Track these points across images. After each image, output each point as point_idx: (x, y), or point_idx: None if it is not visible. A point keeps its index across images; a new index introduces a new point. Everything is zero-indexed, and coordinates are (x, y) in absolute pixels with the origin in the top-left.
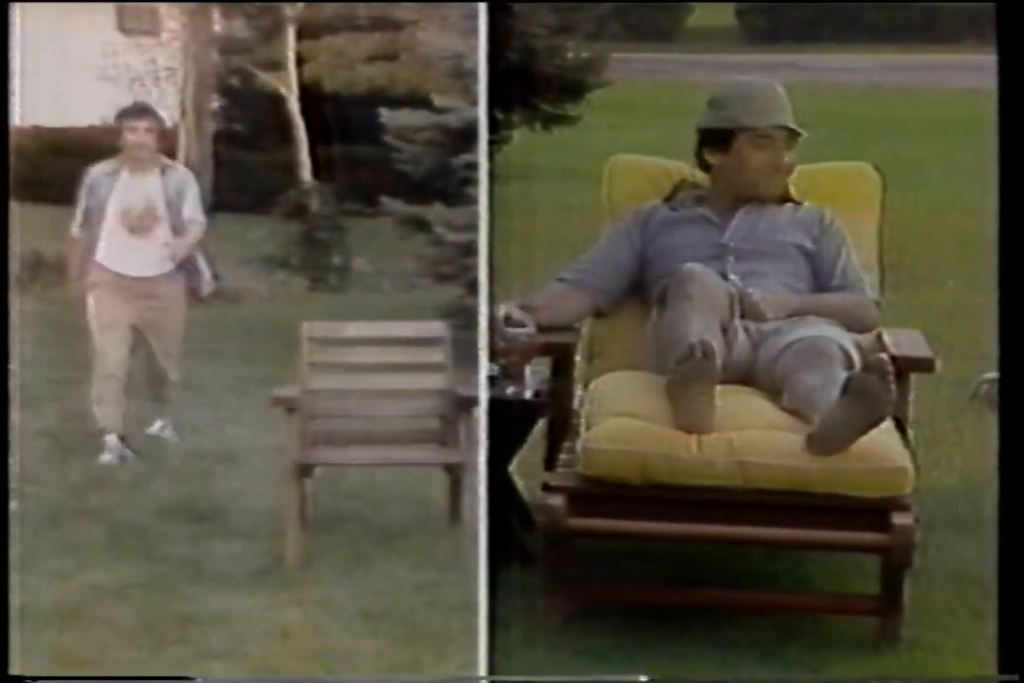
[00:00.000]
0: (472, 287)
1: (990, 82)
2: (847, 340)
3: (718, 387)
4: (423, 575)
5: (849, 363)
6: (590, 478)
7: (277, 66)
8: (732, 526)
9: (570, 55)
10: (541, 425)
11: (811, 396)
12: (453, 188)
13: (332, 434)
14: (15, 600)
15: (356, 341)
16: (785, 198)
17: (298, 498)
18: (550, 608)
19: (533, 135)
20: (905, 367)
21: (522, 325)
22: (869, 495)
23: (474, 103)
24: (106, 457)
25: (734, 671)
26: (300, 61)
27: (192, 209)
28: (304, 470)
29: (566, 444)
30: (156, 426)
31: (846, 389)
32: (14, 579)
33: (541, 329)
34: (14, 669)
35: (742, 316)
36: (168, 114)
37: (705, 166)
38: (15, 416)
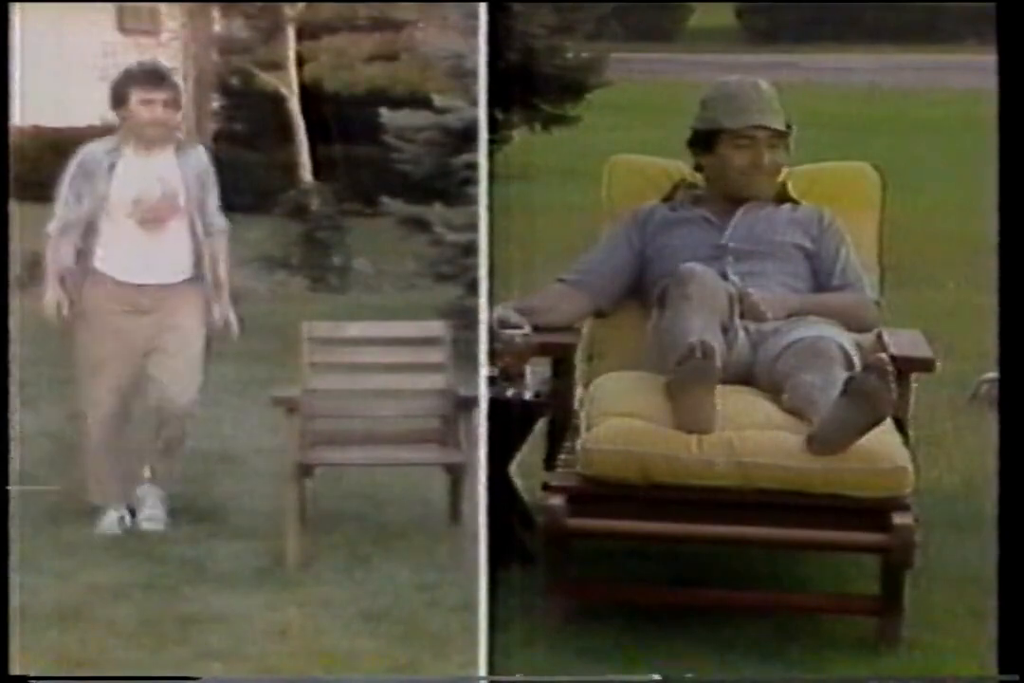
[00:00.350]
0: (472, 287)
1: (990, 82)
2: (847, 340)
3: (718, 387)
4: (423, 575)
5: (849, 363)
6: (590, 478)
7: (277, 66)
8: (732, 526)
9: (570, 55)
10: (541, 425)
11: (811, 396)
12: (453, 188)
13: (332, 434)
14: (15, 600)
15: (356, 341)
16: (784, 198)
17: (298, 498)
18: (550, 608)
19: (533, 135)
20: (905, 367)
21: (517, 327)
22: (869, 495)
23: (474, 103)
24: (106, 529)
25: (734, 671)
26: (300, 61)
27: (215, 205)
28: (304, 470)
29: (566, 444)
30: (148, 503)
31: (846, 389)
32: (14, 579)
33: (541, 330)
34: (14, 669)
35: (742, 316)
36: None
37: (699, 167)
38: (15, 416)
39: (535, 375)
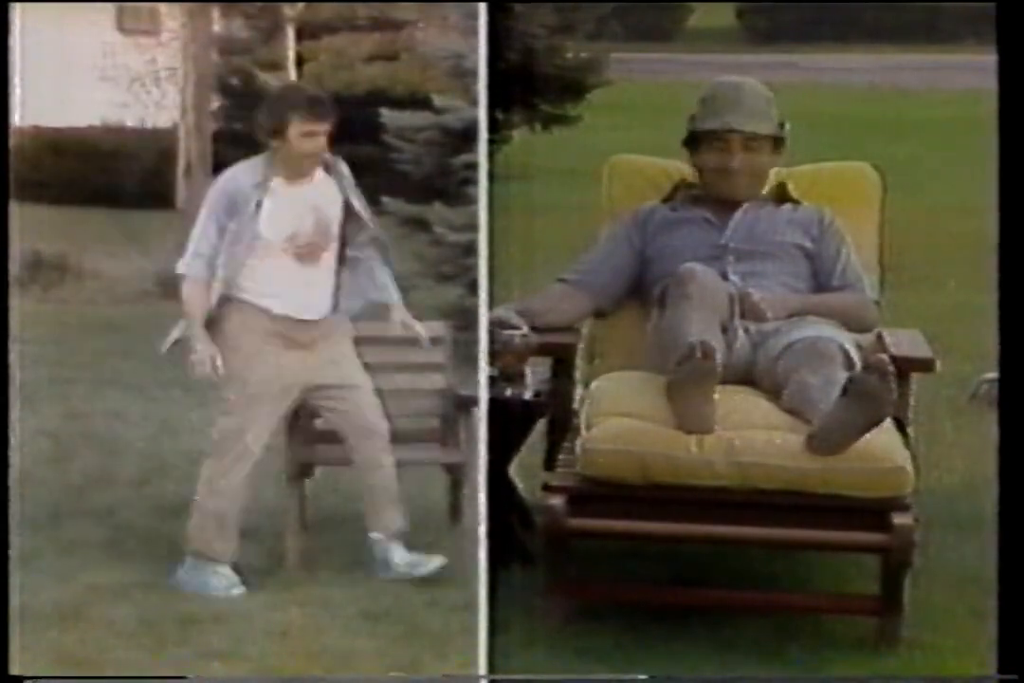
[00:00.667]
0: (472, 287)
1: (990, 82)
2: (847, 340)
3: (718, 387)
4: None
5: (849, 363)
6: (590, 478)
7: (277, 66)
8: (732, 526)
9: (570, 55)
10: (541, 425)
11: (811, 396)
12: (453, 188)
13: (332, 434)
14: (15, 600)
15: (357, 341)
16: (784, 198)
17: (298, 498)
18: (550, 608)
19: (533, 135)
20: (905, 367)
21: (516, 327)
22: (869, 495)
23: (474, 103)
24: (214, 587)
25: (734, 671)
26: (300, 61)
27: (366, 212)
28: (304, 470)
29: (566, 444)
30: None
31: (846, 389)
32: (14, 579)
33: (541, 330)
34: (14, 669)
35: (742, 316)
36: (168, 114)
37: (694, 166)
38: (15, 416)
39: (535, 375)
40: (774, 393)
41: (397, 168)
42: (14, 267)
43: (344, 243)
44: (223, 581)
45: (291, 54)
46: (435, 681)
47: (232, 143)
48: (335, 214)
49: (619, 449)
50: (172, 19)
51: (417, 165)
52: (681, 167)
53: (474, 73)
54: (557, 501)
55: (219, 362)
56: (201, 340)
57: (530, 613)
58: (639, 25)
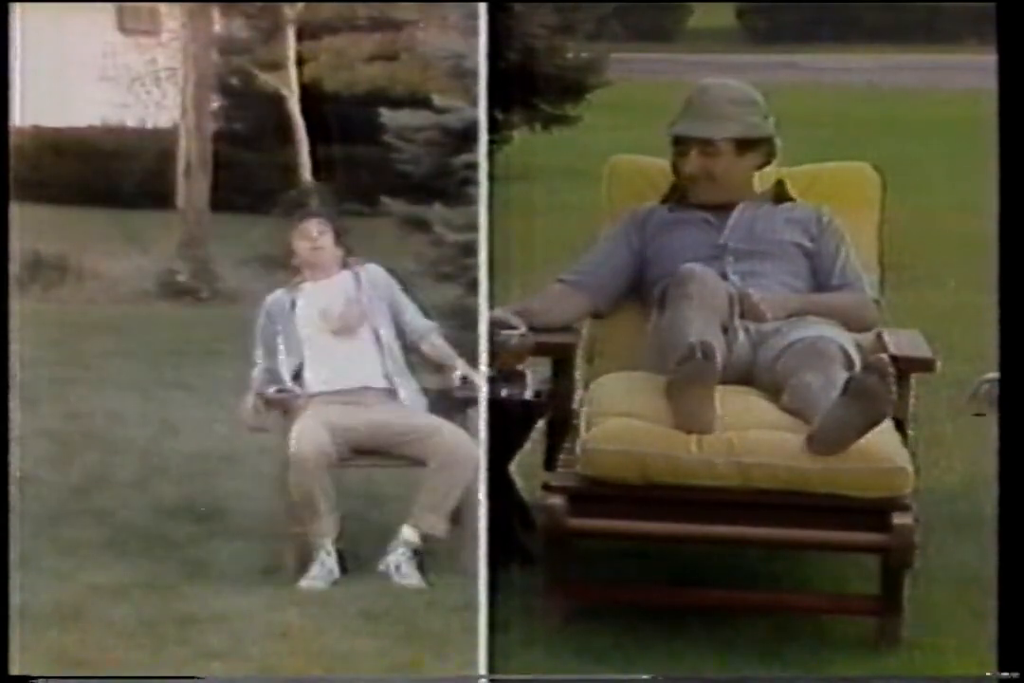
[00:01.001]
0: (472, 287)
1: (990, 82)
2: (847, 340)
3: (718, 387)
4: (423, 575)
5: (849, 363)
6: (590, 478)
7: (277, 66)
8: (732, 526)
9: (570, 55)
10: (541, 425)
11: (811, 396)
12: (453, 188)
13: None
14: (15, 600)
15: None
16: (782, 197)
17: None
18: (550, 608)
19: (533, 135)
20: (905, 367)
21: (513, 327)
22: (869, 495)
23: (474, 103)
24: (313, 577)
25: (734, 671)
26: (300, 61)
27: (412, 314)
28: None
29: (566, 444)
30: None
31: (846, 389)
32: (14, 579)
33: (540, 330)
34: (14, 669)
35: (742, 316)
36: (168, 114)
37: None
38: (15, 416)
39: (535, 375)
40: (774, 393)
41: (397, 168)
42: (14, 267)
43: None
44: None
45: (291, 54)
46: (435, 681)
47: (232, 143)
48: (361, 298)
49: (619, 449)
50: (172, 19)
51: (417, 165)
52: None
53: (474, 73)
54: (557, 501)
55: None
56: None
57: (530, 613)
58: (639, 25)
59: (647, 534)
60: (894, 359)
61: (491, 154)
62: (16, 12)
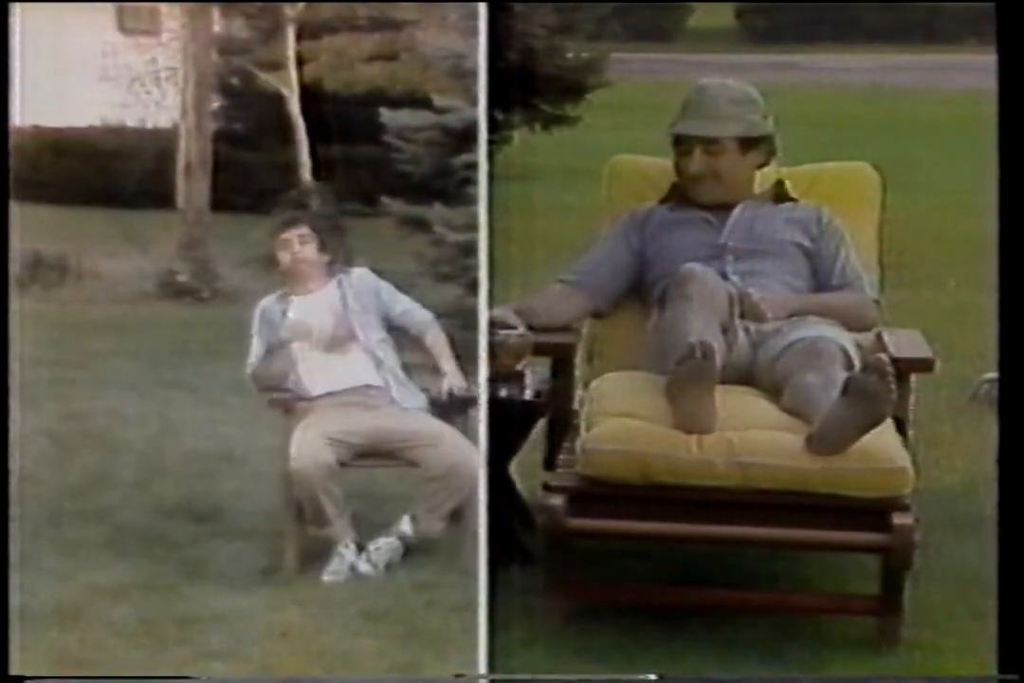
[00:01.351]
0: (472, 287)
1: (990, 82)
2: (847, 340)
3: (718, 387)
4: (423, 575)
5: (849, 363)
6: (590, 478)
7: (277, 66)
8: (732, 526)
9: (570, 55)
10: (541, 425)
11: (811, 396)
12: (453, 188)
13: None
14: (15, 600)
15: None
16: (782, 197)
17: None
18: (550, 608)
19: (533, 135)
20: (905, 367)
21: (512, 327)
22: (869, 495)
23: (474, 103)
24: (334, 572)
25: (734, 671)
26: (300, 61)
27: (403, 309)
28: None
29: (566, 444)
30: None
31: (846, 389)
32: (14, 579)
33: (539, 330)
34: (14, 669)
35: (742, 316)
36: (168, 114)
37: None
38: (15, 416)
39: (535, 375)
40: (774, 393)
41: (397, 168)
42: (14, 267)
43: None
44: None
45: (291, 54)
46: (435, 681)
47: (232, 143)
48: (349, 316)
49: (619, 449)
50: (172, 19)
51: (417, 165)
52: None
53: (474, 73)
54: (557, 501)
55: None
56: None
57: (530, 613)
58: (639, 25)
59: (647, 534)
60: (894, 359)
61: (491, 154)
62: (16, 12)
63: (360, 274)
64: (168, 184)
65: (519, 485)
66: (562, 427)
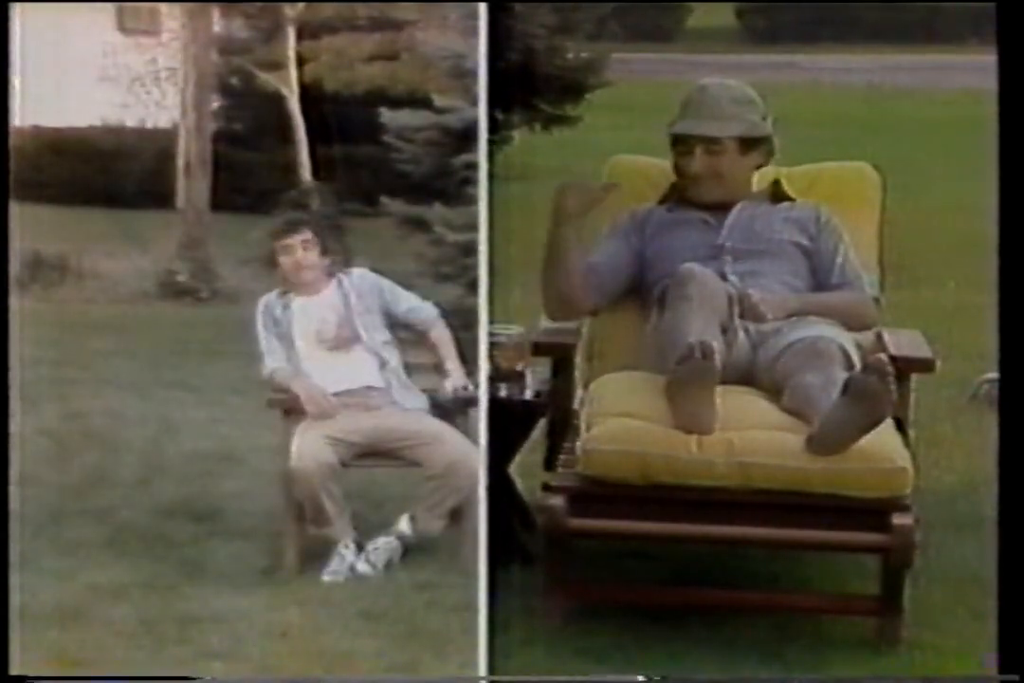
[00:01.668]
0: (472, 287)
1: (990, 82)
2: (847, 340)
3: (718, 387)
4: (423, 575)
5: (849, 363)
6: (590, 478)
7: (277, 66)
8: (732, 526)
9: (570, 55)
10: (541, 425)
11: (811, 396)
12: (453, 188)
13: None
14: (15, 600)
15: None
16: (780, 196)
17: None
18: (550, 608)
19: (533, 135)
20: (905, 367)
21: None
22: (869, 495)
23: (474, 103)
24: (333, 572)
25: (734, 671)
26: (300, 61)
27: (408, 307)
28: None
29: (566, 444)
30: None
31: (846, 390)
32: (14, 579)
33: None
34: (14, 669)
35: (742, 316)
36: (168, 114)
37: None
38: (15, 416)
39: (535, 375)
40: (774, 393)
41: (397, 168)
42: (14, 267)
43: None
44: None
45: (291, 54)
46: (435, 681)
47: (232, 143)
48: (351, 318)
49: (619, 449)
50: (172, 19)
51: (417, 165)
52: None
53: (474, 73)
54: (557, 501)
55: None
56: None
57: (530, 613)
58: (639, 25)
59: (647, 534)
60: (894, 359)
61: (491, 154)
62: (16, 12)
63: (360, 273)
64: (168, 184)
65: (519, 485)
66: (562, 427)
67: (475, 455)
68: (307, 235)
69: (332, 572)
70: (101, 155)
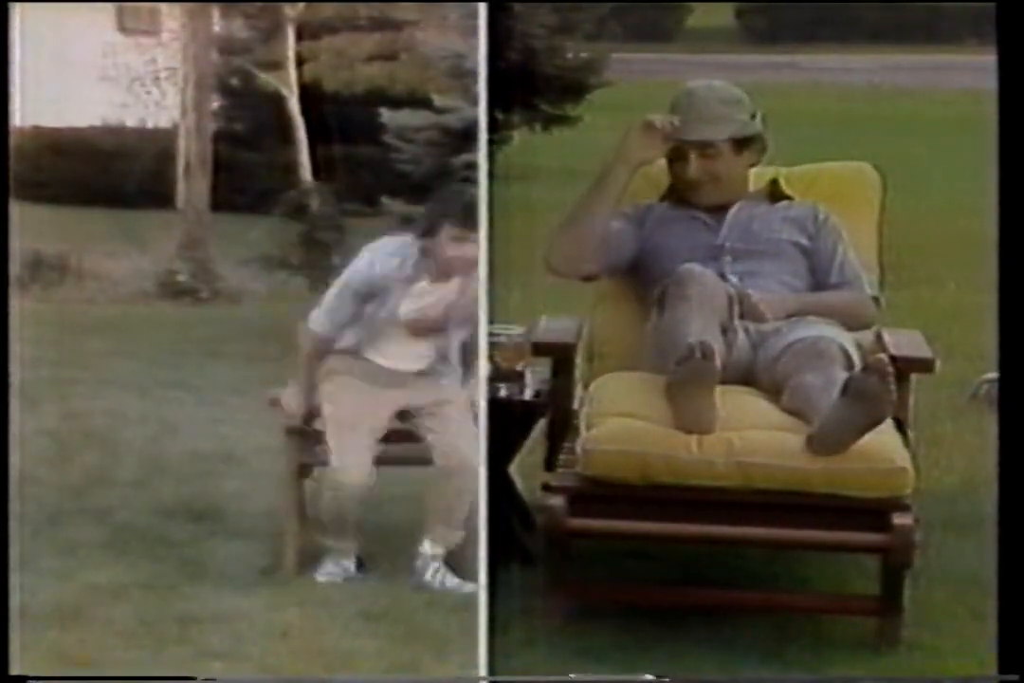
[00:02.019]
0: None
1: (990, 82)
2: (847, 340)
3: (718, 387)
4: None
5: (849, 364)
6: (590, 478)
7: (277, 66)
8: (732, 526)
9: (570, 55)
10: (541, 425)
11: (811, 397)
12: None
13: None
14: (15, 600)
15: None
16: (778, 196)
17: (298, 498)
18: (550, 608)
19: (533, 135)
20: (905, 368)
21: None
22: (869, 495)
23: (474, 103)
24: (328, 573)
25: (734, 671)
26: (300, 61)
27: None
28: (304, 470)
29: (566, 444)
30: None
31: (846, 390)
32: (14, 579)
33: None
34: (14, 669)
35: (741, 317)
36: (168, 114)
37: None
38: (15, 416)
39: (535, 375)
40: (774, 393)
41: (397, 168)
42: (14, 267)
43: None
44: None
45: (291, 54)
46: (435, 681)
47: (232, 143)
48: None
49: (619, 449)
50: (172, 19)
51: (417, 165)
52: None
53: (474, 73)
54: (557, 501)
55: (301, 401)
56: (302, 384)
57: (530, 613)
58: (639, 25)
59: (647, 534)
60: (894, 359)
61: (491, 154)
62: (16, 12)
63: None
64: (168, 184)
65: (519, 485)
66: (562, 427)
67: (476, 454)
68: (480, 233)
69: (327, 573)
70: (101, 155)
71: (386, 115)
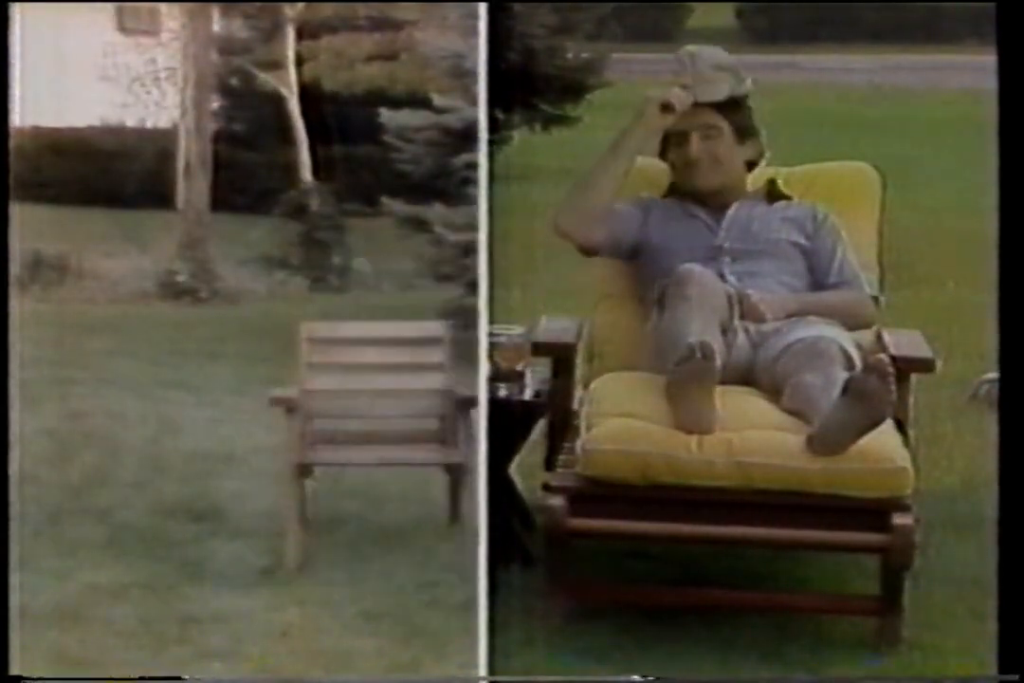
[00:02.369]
0: (472, 287)
1: (990, 82)
2: (847, 340)
3: (718, 388)
4: (423, 575)
5: (849, 364)
6: (590, 478)
7: (277, 66)
8: (732, 526)
9: (570, 55)
10: (541, 425)
11: (811, 397)
12: (453, 188)
13: (332, 434)
14: (15, 600)
15: (356, 341)
16: (776, 195)
17: (298, 498)
18: (550, 608)
19: (533, 135)
20: (905, 368)
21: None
22: (869, 495)
23: (474, 103)
24: None
25: (734, 671)
26: (300, 61)
27: None
28: (304, 470)
29: (566, 444)
30: None
31: (846, 390)
32: (14, 579)
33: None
34: (14, 669)
35: (741, 317)
36: (168, 114)
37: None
38: (15, 416)
39: (535, 375)
40: (774, 393)
41: (397, 168)
42: (14, 267)
43: None
44: None
45: (291, 54)
46: (435, 681)
47: (232, 143)
48: None
49: (619, 449)
50: (172, 19)
51: (417, 165)
52: None
53: (474, 73)
54: (557, 501)
55: None
56: None
57: (530, 613)
58: (639, 25)
59: (647, 534)
60: (894, 359)
61: (491, 154)
62: (16, 12)
63: None
64: (168, 184)
65: (519, 485)
66: (562, 427)
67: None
68: None
69: None
70: (101, 155)
71: (386, 115)
